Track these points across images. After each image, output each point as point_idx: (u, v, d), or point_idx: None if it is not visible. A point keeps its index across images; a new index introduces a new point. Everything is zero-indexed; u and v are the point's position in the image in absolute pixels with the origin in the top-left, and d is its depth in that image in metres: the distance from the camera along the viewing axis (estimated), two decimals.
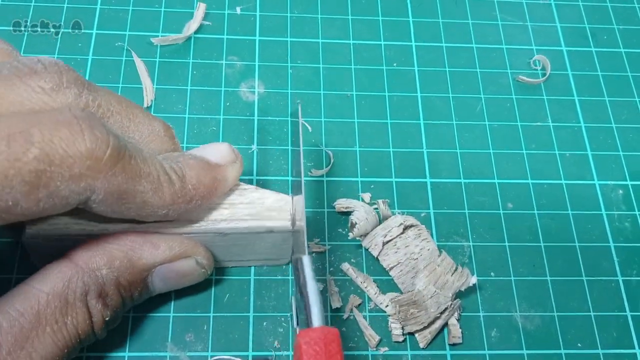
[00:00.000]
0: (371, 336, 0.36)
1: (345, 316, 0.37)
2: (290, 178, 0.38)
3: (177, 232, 0.31)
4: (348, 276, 0.38)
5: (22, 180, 0.23)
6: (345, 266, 0.38)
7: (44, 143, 0.23)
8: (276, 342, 0.35)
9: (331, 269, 0.38)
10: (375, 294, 0.37)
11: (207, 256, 0.32)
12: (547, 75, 0.47)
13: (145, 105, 0.42)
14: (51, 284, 0.28)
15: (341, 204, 0.39)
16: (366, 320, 0.37)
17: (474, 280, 0.37)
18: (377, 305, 0.37)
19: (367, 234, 0.38)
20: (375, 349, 0.36)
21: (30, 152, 0.23)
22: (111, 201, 0.26)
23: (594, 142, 0.45)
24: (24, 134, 0.23)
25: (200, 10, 0.46)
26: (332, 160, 0.41)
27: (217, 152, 0.32)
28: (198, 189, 0.30)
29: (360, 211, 0.38)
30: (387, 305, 0.37)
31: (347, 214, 0.39)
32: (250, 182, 0.40)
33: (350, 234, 0.38)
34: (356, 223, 0.37)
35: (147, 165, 0.27)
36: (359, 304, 0.37)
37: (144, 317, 0.35)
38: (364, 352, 0.36)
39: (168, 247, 0.31)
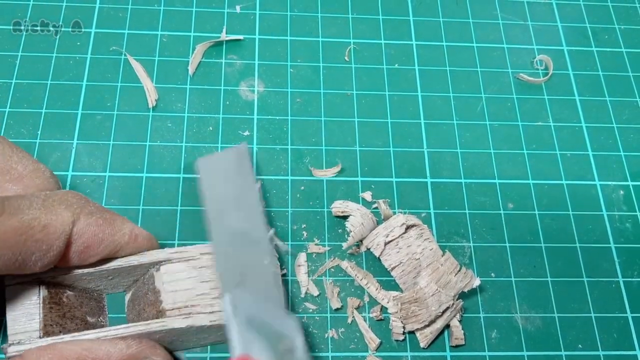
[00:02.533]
0: (371, 339, 0.36)
1: (349, 320, 0.36)
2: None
3: (135, 331, 0.31)
4: (348, 276, 0.38)
5: None
6: (345, 264, 0.38)
7: None
8: None
9: (331, 269, 0.38)
10: (377, 289, 0.37)
11: (165, 356, 0.32)
12: (549, 75, 0.47)
13: (150, 106, 0.42)
14: None
15: (337, 207, 0.39)
16: (366, 322, 0.36)
17: (477, 282, 0.37)
18: (379, 304, 0.37)
19: (364, 238, 0.38)
20: (374, 352, 0.36)
21: None
22: (11, 242, 0.26)
23: (595, 142, 0.45)
24: None
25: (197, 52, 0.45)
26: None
27: None
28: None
29: (356, 216, 0.37)
30: (389, 302, 0.36)
31: (345, 217, 0.39)
32: None
33: (344, 244, 0.38)
34: (351, 231, 0.37)
35: (30, 196, 0.28)
36: (359, 306, 0.37)
37: None
38: (364, 354, 0.36)
39: (126, 345, 0.30)
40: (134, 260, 0.32)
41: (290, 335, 0.29)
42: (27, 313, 0.31)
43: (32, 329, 0.30)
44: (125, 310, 0.34)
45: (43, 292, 0.31)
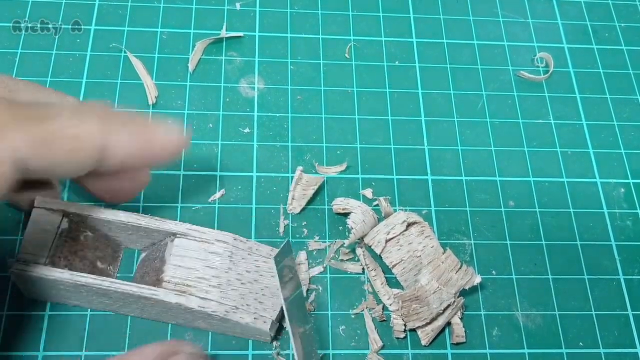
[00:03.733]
0: (375, 340, 0.36)
1: (356, 311, 0.36)
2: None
3: (129, 290, 0.31)
4: (349, 273, 0.38)
5: None
6: (359, 251, 0.38)
7: None
8: (275, 343, 0.35)
9: (333, 266, 0.38)
10: (382, 284, 0.37)
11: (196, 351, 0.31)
12: (550, 73, 0.47)
13: (150, 103, 0.42)
14: None
15: (339, 205, 0.39)
16: (373, 323, 0.36)
17: (478, 279, 0.36)
18: (381, 304, 0.37)
19: (365, 235, 0.37)
20: (376, 353, 0.35)
21: None
22: (43, 151, 0.26)
23: (595, 140, 0.45)
24: None
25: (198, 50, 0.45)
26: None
27: None
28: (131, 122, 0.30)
29: (358, 213, 0.37)
30: (390, 299, 0.36)
31: (346, 215, 0.38)
32: (250, 178, 0.40)
33: (345, 241, 0.38)
34: (352, 228, 0.37)
35: (59, 105, 0.28)
36: (373, 308, 0.37)
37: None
38: (365, 351, 0.36)
39: None
40: (154, 224, 0.33)
41: None
42: (42, 238, 0.32)
43: (40, 254, 0.31)
44: (134, 269, 0.36)
45: (64, 224, 0.33)
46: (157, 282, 0.32)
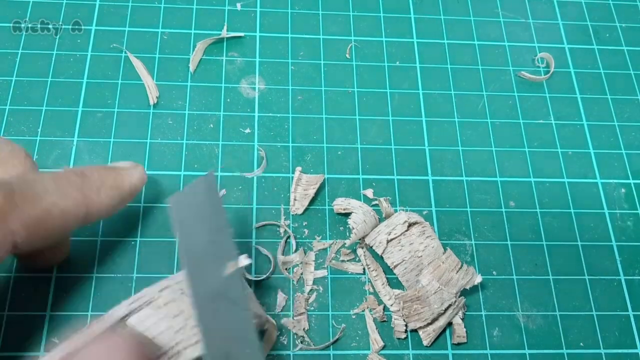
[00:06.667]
0: (375, 340, 0.36)
1: (356, 311, 0.37)
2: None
3: None
4: (349, 273, 0.38)
5: None
6: (360, 251, 0.38)
7: None
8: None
9: (334, 266, 0.38)
10: (383, 284, 0.37)
11: None
12: (550, 73, 0.47)
13: (151, 103, 0.42)
14: None
15: (339, 204, 0.39)
16: (374, 323, 0.36)
17: (479, 279, 0.37)
18: (382, 304, 0.37)
19: (366, 235, 0.38)
20: (377, 354, 0.35)
21: None
22: (35, 231, 0.27)
23: (596, 140, 0.45)
24: None
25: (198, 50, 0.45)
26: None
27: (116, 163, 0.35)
28: (103, 180, 0.31)
29: (358, 213, 0.37)
30: (390, 299, 0.36)
31: (346, 215, 0.39)
32: (251, 178, 0.40)
33: (346, 241, 0.38)
34: (353, 228, 0.37)
35: (41, 180, 0.28)
36: (374, 308, 0.37)
37: None
38: (365, 352, 0.36)
39: None
40: (98, 329, 0.29)
41: None
42: None
43: None
44: None
45: None
46: None
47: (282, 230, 0.39)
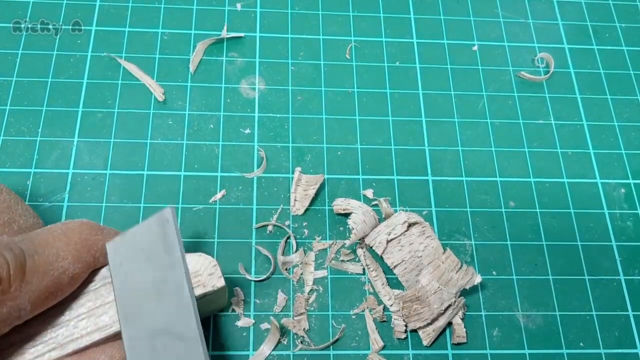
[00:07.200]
0: (375, 340, 0.36)
1: (356, 311, 0.37)
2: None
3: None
4: (349, 273, 0.38)
5: None
6: (360, 251, 0.38)
7: None
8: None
9: (334, 267, 0.38)
10: (383, 284, 0.37)
11: None
12: (550, 73, 0.47)
13: (160, 100, 0.42)
14: None
15: (339, 205, 0.39)
16: (374, 323, 0.36)
17: (479, 279, 0.37)
18: (382, 305, 0.37)
19: (366, 236, 0.38)
20: (377, 354, 0.35)
21: None
22: (43, 304, 0.27)
23: (596, 140, 0.45)
24: None
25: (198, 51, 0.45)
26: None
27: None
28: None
29: (358, 213, 0.37)
30: (390, 299, 0.36)
31: (346, 215, 0.39)
32: (251, 178, 0.40)
33: (346, 242, 0.38)
34: (353, 228, 0.37)
35: (53, 242, 0.28)
36: (374, 308, 0.37)
37: None
38: (365, 352, 0.36)
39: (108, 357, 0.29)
40: None
41: None
42: None
43: None
44: None
45: None
46: None
47: (270, 228, 0.39)
